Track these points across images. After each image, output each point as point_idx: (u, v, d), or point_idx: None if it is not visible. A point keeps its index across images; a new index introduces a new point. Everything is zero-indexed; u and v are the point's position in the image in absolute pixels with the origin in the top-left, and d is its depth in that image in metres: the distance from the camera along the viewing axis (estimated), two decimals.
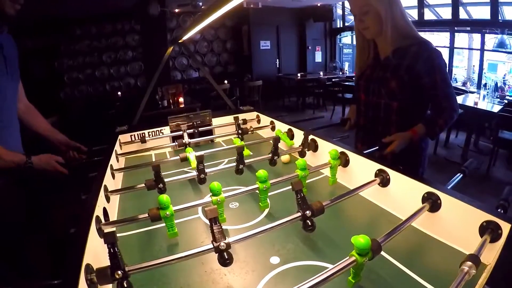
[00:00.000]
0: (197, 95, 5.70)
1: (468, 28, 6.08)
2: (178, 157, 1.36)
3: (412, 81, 1.29)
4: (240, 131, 1.77)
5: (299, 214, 0.78)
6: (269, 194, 1.12)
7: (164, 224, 0.88)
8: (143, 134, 1.81)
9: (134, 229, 0.95)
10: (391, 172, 0.99)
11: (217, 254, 0.65)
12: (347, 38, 9.71)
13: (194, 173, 1.16)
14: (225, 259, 0.65)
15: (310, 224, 0.77)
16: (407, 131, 1.30)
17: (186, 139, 1.65)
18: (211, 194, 0.91)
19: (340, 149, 1.21)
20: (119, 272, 0.59)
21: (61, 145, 1.63)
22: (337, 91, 6.66)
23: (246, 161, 1.22)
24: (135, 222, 0.87)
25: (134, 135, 1.80)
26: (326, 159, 1.19)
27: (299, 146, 1.43)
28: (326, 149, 1.31)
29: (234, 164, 1.22)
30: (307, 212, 0.77)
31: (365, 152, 1.16)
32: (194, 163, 1.30)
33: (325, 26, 9.38)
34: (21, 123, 1.47)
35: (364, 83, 1.48)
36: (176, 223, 0.97)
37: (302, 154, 1.40)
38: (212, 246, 0.66)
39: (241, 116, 2.06)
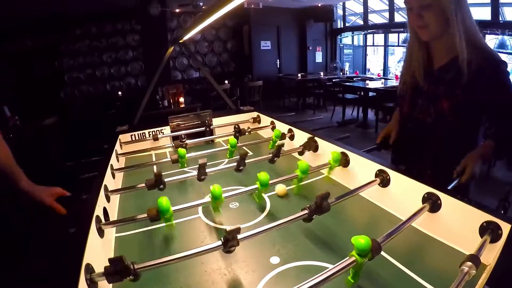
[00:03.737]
0: (198, 95, 5.69)
1: None
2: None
3: (469, 102, 1.09)
4: (238, 134, 1.75)
5: (305, 211, 0.78)
6: (269, 194, 1.12)
7: (163, 224, 0.88)
8: (155, 132, 1.82)
9: (134, 229, 0.95)
10: (391, 173, 0.99)
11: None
12: (347, 39, 9.72)
13: (194, 173, 1.16)
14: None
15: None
16: (477, 149, 1.08)
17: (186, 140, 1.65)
18: (210, 195, 0.91)
19: (340, 149, 1.21)
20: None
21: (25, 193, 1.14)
22: (337, 92, 6.66)
23: (246, 161, 1.22)
24: (135, 222, 0.87)
25: (135, 134, 1.80)
26: (327, 159, 1.19)
27: (300, 146, 1.42)
28: (327, 149, 1.31)
29: (234, 164, 1.22)
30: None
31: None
32: (184, 163, 1.32)
33: (325, 26, 9.38)
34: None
35: (410, 92, 1.27)
36: (176, 223, 0.97)
37: (301, 153, 1.40)
38: (213, 246, 0.66)
39: (242, 117, 2.06)
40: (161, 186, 1.05)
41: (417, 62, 1.22)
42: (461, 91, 1.09)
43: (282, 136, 1.59)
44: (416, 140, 1.28)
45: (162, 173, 1.07)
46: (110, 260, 0.58)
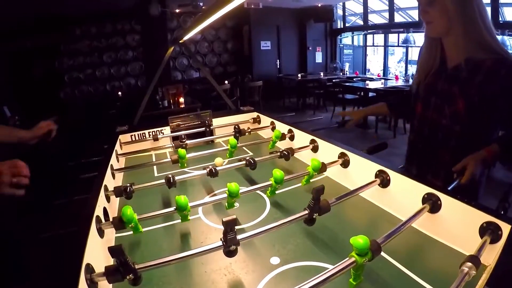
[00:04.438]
0: (198, 95, 5.69)
1: None
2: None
3: (484, 103, 1.07)
4: (238, 134, 1.73)
5: (305, 212, 0.78)
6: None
7: (163, 224, 0.88)
8: (155, 132, 1.82)
9: None
10: (391, 173, 0.99)
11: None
12: (347, 39, 9.72)
13: (195, 173, 1.16)
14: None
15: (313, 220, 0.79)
16: (480, 151, 1.04)
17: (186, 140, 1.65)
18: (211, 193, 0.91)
19: (340, 150, 1.21)
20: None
21: (30, 141, 1.40)
22: (337, 92, 6.67)
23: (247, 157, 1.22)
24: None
25: (135, 135, 1.80)
26: (326, 159, 1.19)
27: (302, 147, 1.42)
28: (326, 149, 1.31)
29: (234, 164, 1.22)
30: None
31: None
32: (185, 164, 1.31)
33: (325, 26, 9.39)
34: None
35: (424, 93, 1.25)
36: (176, 223, 0.97)
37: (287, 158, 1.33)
38: (213, 246, 0.66)
39: (242, 117, 2.06)
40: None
41: (430, 58, 1.22)
42: (475, 91, 1.07)
43: (282, 137, 1.59)
44: (431, 147, 1.25)
45: (162, 173, 1.07)
46: (109, 248, 0.58)
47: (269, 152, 1.35)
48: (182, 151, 1.34)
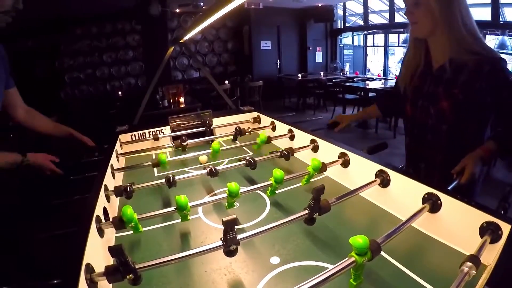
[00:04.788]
0: (198, 95, 5.70)
1: None
2: (179, 157, 1.36)
3: (469, 101, 1.09)
4: (238, 134, 1.71)
5: (305, 211, 0.78)
6: None
7: (163, 224, 0.88)
8: (155, 132, 1.82)
9: None
10: (391, 173, 0.98)
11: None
12: (348, 39, 9.72)
13: (195, 173, 1.16)
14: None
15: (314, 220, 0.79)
16: (477, 150, 1.05)
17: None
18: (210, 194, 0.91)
19: (340, 150, 1.21)
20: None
21: (72, 136, 1.64)
22: (337, 92, 6.67)
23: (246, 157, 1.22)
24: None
25: (135, 134, 1.80)
26: (326, 159, 1.19)
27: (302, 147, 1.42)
28: (326, 149, 1.31)
29: (234, 164, 1.22)
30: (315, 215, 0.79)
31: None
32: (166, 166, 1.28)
33: (326, 26, 9.40)
34: (24, 127, 1.53)
35: (411, 95, 1.27)
36: (176, 223, 0.97)
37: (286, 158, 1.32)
38: (213, 246, 0.66)
39: (242, 117, 2.06)
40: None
41: (415, 60, 1.24)
42: (459, 90, 1.09)
43: (268, 140, 1.54)
44: (423, 148, 1.27)
45: (163, 173, 1.07)
46: (109, 248, 0.58)
47: (269, 152, 1.35)
48: (163, 155, 1.30)
